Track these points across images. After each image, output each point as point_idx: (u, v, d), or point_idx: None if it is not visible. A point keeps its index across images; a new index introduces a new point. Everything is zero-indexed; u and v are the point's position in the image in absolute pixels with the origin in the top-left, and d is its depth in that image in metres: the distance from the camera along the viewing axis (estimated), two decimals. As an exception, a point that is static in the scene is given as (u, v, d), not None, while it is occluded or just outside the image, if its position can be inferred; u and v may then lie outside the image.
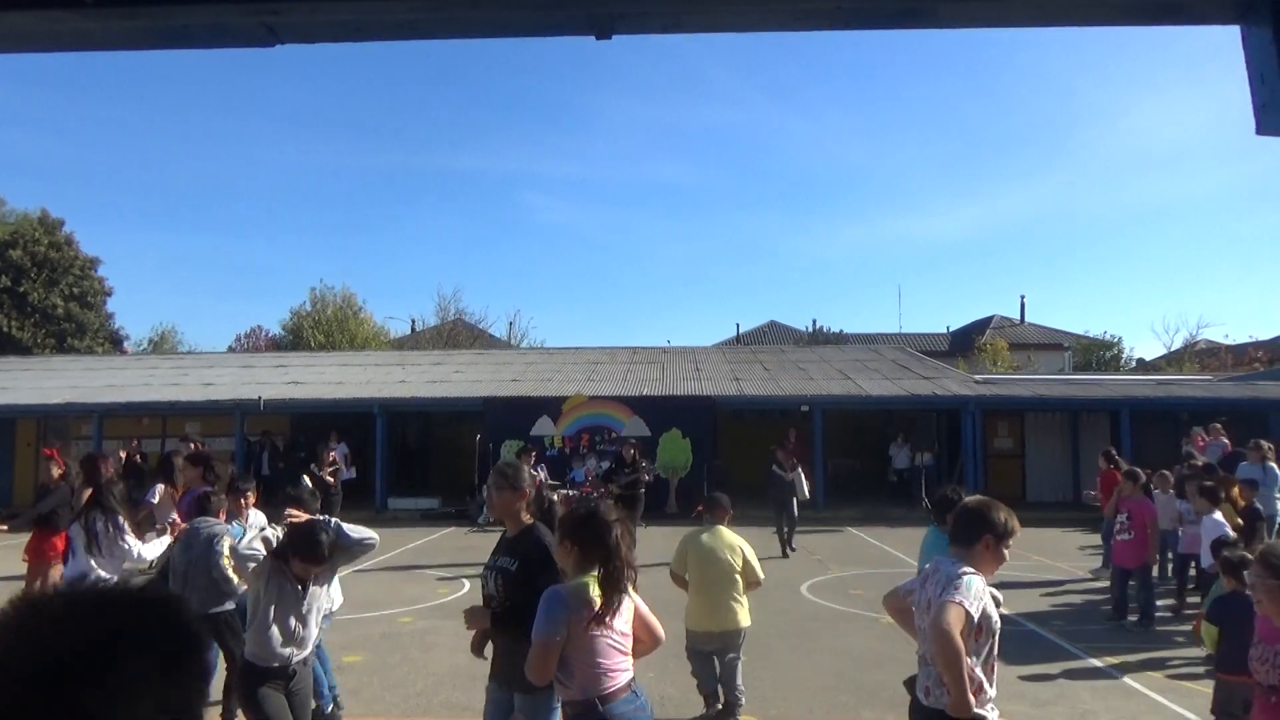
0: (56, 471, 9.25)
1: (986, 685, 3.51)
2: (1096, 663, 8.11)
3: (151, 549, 7.36)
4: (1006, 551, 3.64)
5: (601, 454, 19.67)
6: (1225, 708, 5.57)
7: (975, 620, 3.40)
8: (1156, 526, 9.73)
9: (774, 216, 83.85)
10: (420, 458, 27.32)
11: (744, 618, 6.42)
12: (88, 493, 7.68)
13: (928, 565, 3.80)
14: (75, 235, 37.32)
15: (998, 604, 3.70)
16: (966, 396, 21.05)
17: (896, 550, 15.10)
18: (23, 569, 9.42)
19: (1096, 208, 78.21)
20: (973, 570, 3.52)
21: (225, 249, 79.06)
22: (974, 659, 3.46)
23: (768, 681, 7.41)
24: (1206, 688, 6.31)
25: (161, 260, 77.57)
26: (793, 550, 14.33)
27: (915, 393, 21.67)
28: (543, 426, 20.57)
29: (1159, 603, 10.72)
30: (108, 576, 7.30)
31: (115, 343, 39.28)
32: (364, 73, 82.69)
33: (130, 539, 7.26)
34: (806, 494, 14.65)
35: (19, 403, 21.92)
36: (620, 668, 3.74)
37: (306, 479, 13.13)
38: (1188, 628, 8.75)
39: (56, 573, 8.95)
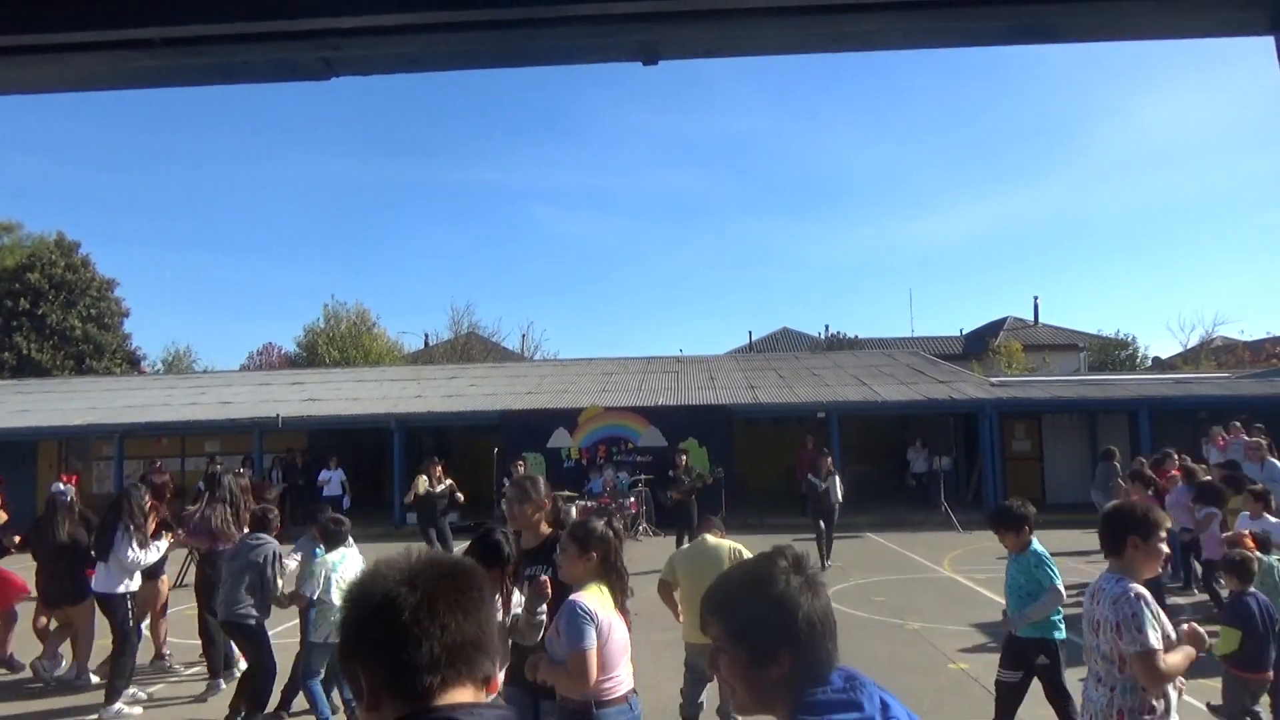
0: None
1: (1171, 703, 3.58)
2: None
3: (150, 555, 7.84)
4: (1161, 545, 3.63)
5: (619, 465, 19.71)
6: (1237, 704, 5.60)
7: (1161, 646, 3.45)
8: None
9: (783, 222, 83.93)
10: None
11: None
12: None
13: (1093, 584, 3.80)
14: (91, 257, 37.74)
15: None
16: (983, 399, 21.00)
17: (917, 555, 15.06)
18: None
19: (1108, 206, 77.92)
20: (1137, 591, 3.49)
21: (236, 266, 79.59)
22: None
23: (795, 689, 7.40)
24: (1216, 682, 6.28)
25: (173, 279, 78.16)
26: (828, 565, 13.77)
27: (931, 397, 21.63)
28: (559, 438, 20.62)
29: (1182, 601, 10.69)
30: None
31: (133, 363, 39.59)
32: (372, 88, 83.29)
33: (139, 547, 7.70)
34: (839, 497, 14.41)
35: (41, 425, 22.13)
36: (622, 676, 3.87)
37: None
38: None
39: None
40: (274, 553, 7.11)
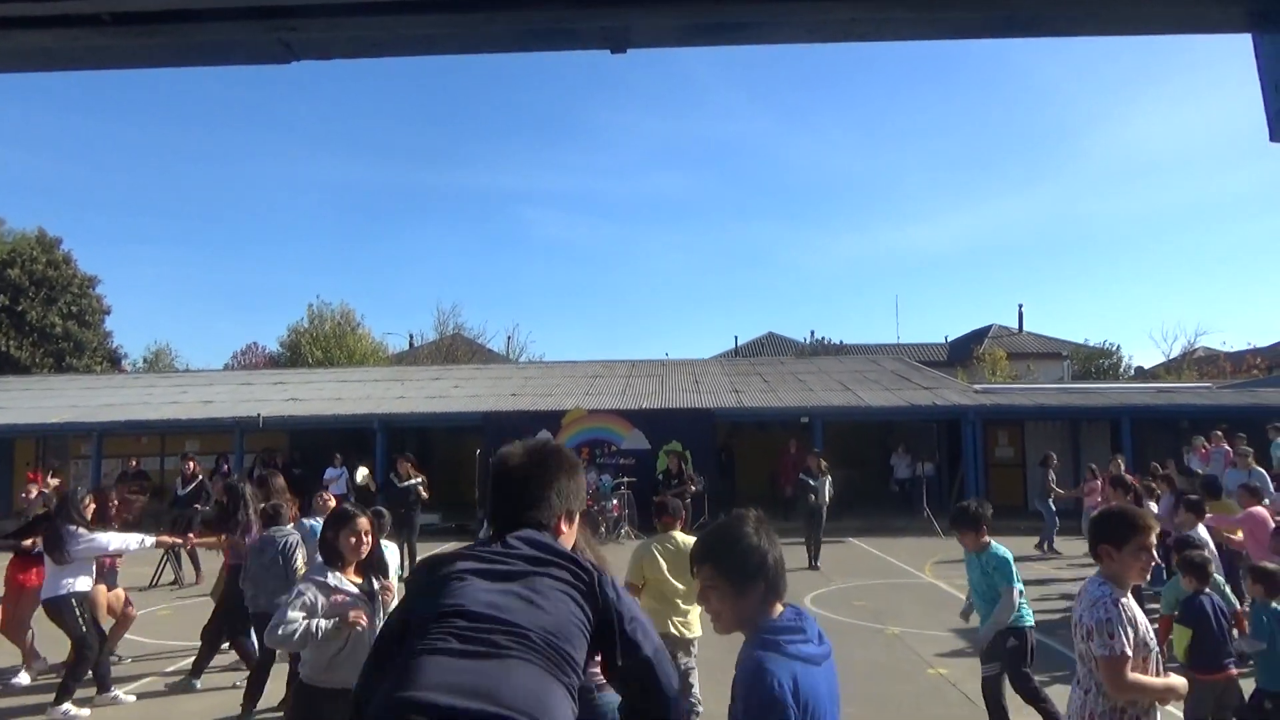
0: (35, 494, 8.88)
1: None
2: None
3: (120, 540, 7.81)
4: (1143, 553, 3.47)
5: (602, 467, 19.63)
6: (1199, 708, 5.65)
7: (1131, 653, 3.37)
8: None
9: (772, 228, 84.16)
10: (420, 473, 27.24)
11: (694, 627, 6.05)
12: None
13: (1082, 586, 3.68)
14: (73, 254, 37.40)
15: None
16: (966, 406, 21.05)
17: (899, 560, 15.07)
18: None
19: (1094, 216, 78.55)
20: (1110, 599, 3.43)
21: (221, 266, 79.16)
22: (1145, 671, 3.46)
23: (774, 694, 7.36)
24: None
25: (156, 278, 77.64)
26: (816, 567, 14.21)
27: (915, 403, 21.67)
28: (543, 441, 20.51)
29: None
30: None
31: (113, 361, 39.23)
32: (362, 88, 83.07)
33: (92, 533, 7.60)
34: (826, 498, 14.78)
35: (18, 422, 21.88)
36: None
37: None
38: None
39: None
40: (296, 542, 7.26)
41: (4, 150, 67.36)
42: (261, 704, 7.09)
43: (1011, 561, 6.06)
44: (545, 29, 1.59)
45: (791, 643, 2.28)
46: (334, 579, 4.57)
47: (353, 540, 4.64)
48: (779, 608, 2.36)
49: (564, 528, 2.33)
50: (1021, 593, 6.03)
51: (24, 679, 8.40)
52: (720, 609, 2.35)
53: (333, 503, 7.59)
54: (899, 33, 1.66)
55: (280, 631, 4.34)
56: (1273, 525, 8.35)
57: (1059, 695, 7.38)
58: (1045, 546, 15.77)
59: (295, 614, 4.39)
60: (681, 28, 1.60)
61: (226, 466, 17.88)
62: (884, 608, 11.13)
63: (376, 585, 4.75)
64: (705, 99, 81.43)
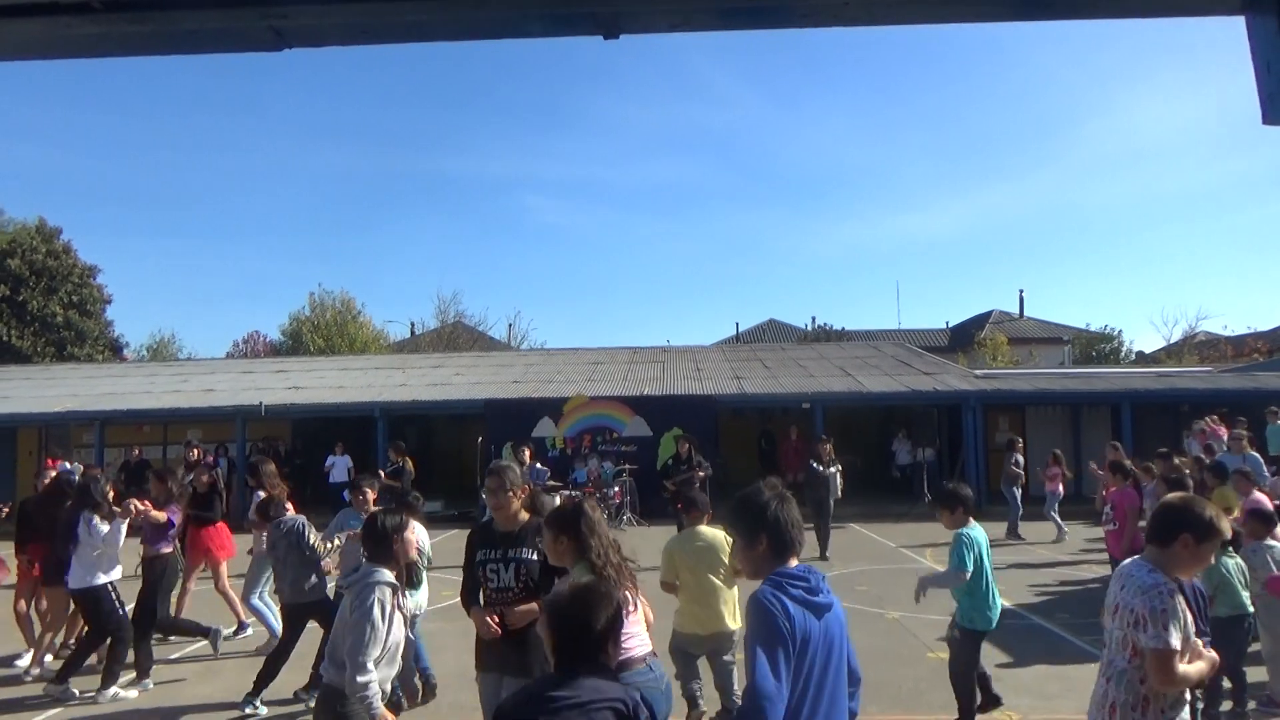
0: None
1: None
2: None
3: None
4: (1210, 555, 3.41)
5: (603, 454, 19.67)
6: None
7: (1180, 646, 3.25)
8: (1137, 515, 9.53)
9: (772, 215, 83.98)
10: (422, 461, 27.30)
11: (733, 620, 6.18)
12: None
13: (1120, 567, 3.55)
14: (73, 243, 37.38)
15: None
16: (967, 391, 21.05)
17: (900, 545, 15.11)
18: None
19: (1094, 201, 78.34)
20: (1166, 588, 3.28)
21: (223, 255, 79.17)
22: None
23: (774, 679, 7.38)
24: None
25: (158, 267, 77.61)
26: (826, 558, 13.82)
27: (916, 388, 21.67)
28: (544, 428, 20.56)
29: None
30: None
31: (115, 350, 39.26)
32: (361, 77, 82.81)
33: (111, 527, 7.51)
34: (839, 492, 14.54)
35: (20, 411, 21.92)
36: (634, 637, 4.00)
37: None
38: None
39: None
40: (301, 524, 7.22)
41: (3, 141, 67.29)
42: (273, 695, 7.12)
43: (964, 543, 5.93)
44: (536, 15, 1.59)
45: (794, 586, 2.63)
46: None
47: (410, 537, 4.65)
48: (794, 562, 2.73)
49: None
50: (979, 591, 5.93)
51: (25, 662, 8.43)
52: (740, 559, 2.82)
53: (373, 497, 7.52)
54: (889, 17, 1.66)
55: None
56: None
57: (1071, 684, 7.43)
58: (1012, 533, 15.76)
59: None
60: (672, 14, 1.60)
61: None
62: (884, 593, 11.17)
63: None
64: (703, 86, 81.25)
